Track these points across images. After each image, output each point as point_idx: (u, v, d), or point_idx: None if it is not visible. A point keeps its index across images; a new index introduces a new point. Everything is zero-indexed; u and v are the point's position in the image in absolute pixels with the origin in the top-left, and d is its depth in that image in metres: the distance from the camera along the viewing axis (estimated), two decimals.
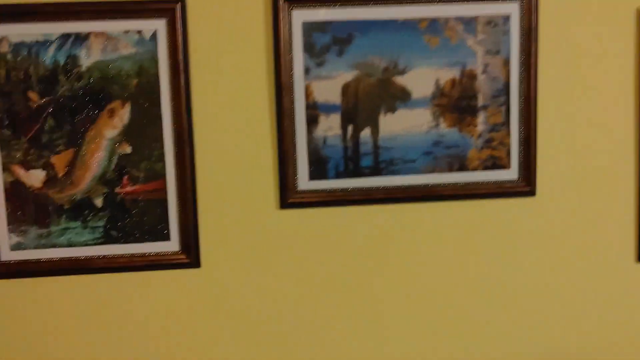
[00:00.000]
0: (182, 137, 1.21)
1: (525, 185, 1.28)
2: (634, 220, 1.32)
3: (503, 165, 1.29)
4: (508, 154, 1.28)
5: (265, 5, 1.20)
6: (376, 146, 1.26)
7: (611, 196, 1.32)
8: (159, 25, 1.18)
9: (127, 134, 1.20)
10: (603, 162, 1.30)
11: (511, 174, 1.29)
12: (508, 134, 1.28)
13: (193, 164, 1.22)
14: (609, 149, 1.31)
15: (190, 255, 1.24)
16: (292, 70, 1.21)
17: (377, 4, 1.20)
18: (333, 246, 1.28)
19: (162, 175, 1.22)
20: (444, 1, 1.21)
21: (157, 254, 1.24)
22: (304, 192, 1.26)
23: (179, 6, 1.16)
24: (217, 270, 1.26)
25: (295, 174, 1.25)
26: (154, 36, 1.18)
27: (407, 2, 1.20)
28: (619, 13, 1.26)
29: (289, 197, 1.25)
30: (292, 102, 1.22)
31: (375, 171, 1.27)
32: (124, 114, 1.20)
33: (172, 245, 1.25)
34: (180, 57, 1.18)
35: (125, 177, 1.21)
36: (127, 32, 1.17)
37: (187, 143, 1.21)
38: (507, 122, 1.27)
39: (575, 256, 1.33)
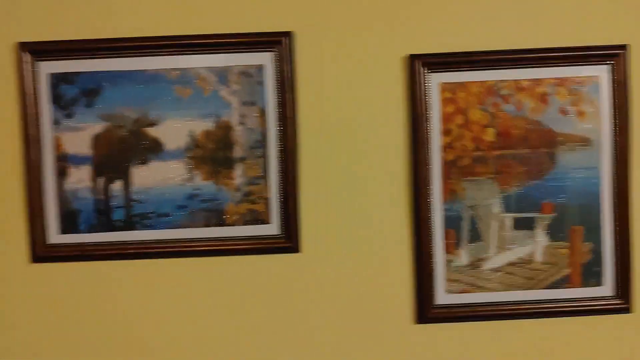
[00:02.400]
0: None
1: (287, 241, 1.21)
2: (409, 277, 1.23)
3: (263, 219, 1.22)
4: (268, 208, 1.22)
5: (10, 57, 1.20)
6: (128, 199, 1.21)
7: (384, 250, 1.23)
8: None
9: None
10: (373, 215, 1.22)
11: (272, 229, 1.22)
12: (267, 187, 1.22)
13: None
14: (379, 201, 1.22)
15: None
16: (39, 122, 1.20)
17: (123, 55, 1.19)
18: (85, 301, 1.23)
19: None
20: (194, 52, 1.19)
21: None
22: (54, 245, 1.21)
23: None
24: None
25: (44, 227, 1.21)
26: None
27: (154, 54, 1.19)
28: (384, 61, 1.21)
29: (38, 251, 1.21)
30: (39, 154, 1.20)
31: (129, 225, 1.21)
32: None
33: None
34: None
35: None
36: None
37: None
38: (265, 175, 1.22)
39: (345, 316, 1.23)
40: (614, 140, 1.20)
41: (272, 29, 1.20)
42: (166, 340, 1.24)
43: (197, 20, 1.20)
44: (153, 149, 1.21)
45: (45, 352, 1.24)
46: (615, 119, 1.20)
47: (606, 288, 1.23)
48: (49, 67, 1.19)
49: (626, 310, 1.23)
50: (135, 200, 1.21)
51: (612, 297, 1.23)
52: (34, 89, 1.19)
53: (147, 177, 1.21)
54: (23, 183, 1.20)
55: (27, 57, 1.18)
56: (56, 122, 1.20)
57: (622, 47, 1.19)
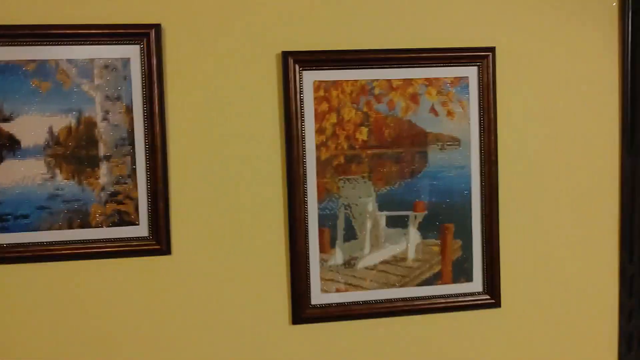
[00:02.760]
0: None
1: (156, 243, 1.17)
2: (285, 277, 1.22)
3: (131, 221, 1.17)
4: (136, 208, 1.17)
5: None
6: None
7: (259, 251, 1.20)
8: None
9: None
10: (247, 215, 1.20)
11: (140, 230, 1.17)
12: (135, 187, 1.17)
13: None
14: (253, 201, 1.19)
15: None
16: None
17: None
18: None
19: None
20: (53, 43, 1.12)
21: None
22: None
23: None
24: None
25: None
26: None
27: (8, 44, 1.11)
28: (257, 57, 1.18)
29: None
30: None
31: None
32: None
33: None
34: None
35: None
36: None
37: None
38: (133, 174, 1.17)
39: (220, 319, 1.20)
40: (482, 140, 1.24)
41: (140, 21, 1.15)
42: (27, 349, 1.16)
43: (59, 9, 1.13)
44: (8, 146, 1.13)
45: None
46: (482, 119, 1.24)
47: (476, 284, 1.27)
48: None
49: (494, 305, 1.27)
50: None
51: (481, 293, 1.27)
52: None
53: (2, 176, 1.13)
54: None
55: None
56: None
57: (490, 49, 1.22)
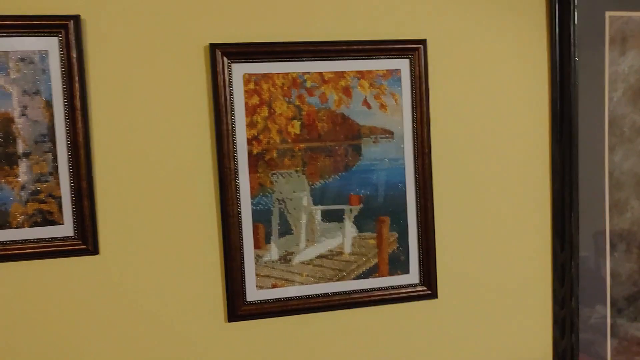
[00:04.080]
0: None
1: (82, 243, 1.12)
2: (219, 274, 1.20)
3: (55, 220, 1.13)
4: (60, 207, 1.13)
5: None
6: None
7: (191, 248, 1.18)
8: None
9: None
10: (178, 212, 1.17)
11: (65, 230, 1.13)
12: (58, 185, 1.13)
13: None
14: (184, 197, 1.16)
15: None
16: None
17: None
18: None
19: None
20: None
21: None
22: None
23: None
24: None
25: None
26: None
27: None
28: (185, 49, 1.15)
29: None
30: None
31: None
32: None
33: None
34: None
35: None
36: None
37: None
38: (55, 171, 1.12)
39: (153, 318, 1.17)
40: (415, 132, 1.25)
41: (58, 12, 1.10)
42: None
43: None
44: None
45: None
46: (415, 111, 1.24)
47: (412, 276, 1.28)
48: None
49: (431, 296, 1.28)
50: None
51: (417, 285, 1.28)
52: None
53: None
54: None
55: None
56: None
57: (421, 41, 1.23)
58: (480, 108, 1.29)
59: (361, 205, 1.24)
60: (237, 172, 1.18)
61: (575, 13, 1.29)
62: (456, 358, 1.33)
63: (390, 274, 1.26)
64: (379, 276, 1.26)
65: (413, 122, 1.24)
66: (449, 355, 1.32)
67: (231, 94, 1.17)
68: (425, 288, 1.28)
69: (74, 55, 1.10)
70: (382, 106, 1.23)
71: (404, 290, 1.27)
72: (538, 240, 1.35)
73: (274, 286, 1.22)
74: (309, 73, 1.19)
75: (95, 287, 1.15)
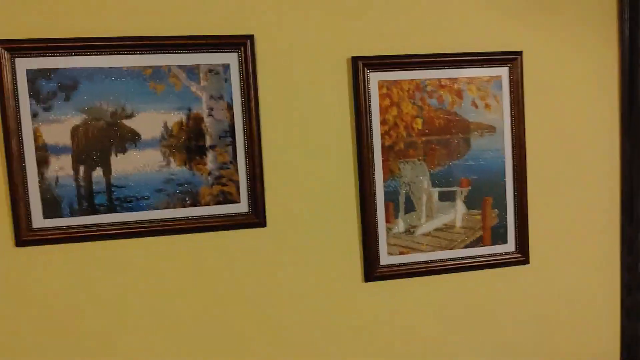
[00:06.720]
0: None
1: (255, 217, 1.41)
2: (358, 243, 1.47)
3: (234, 199, 1.41)
4: (238, 189, 1.41)
5: None
6: (109, 185, 1.34)
7: (337, 222, 1.46)
8: None
9: None
10: (324, 193, 1.45)
11: (242, 207, 1.41)
12: (236, 171, 1.40)
13: None
14: (330, 180, 1.45)
15: None
16: (18, 115, 1.29)
17: (100, 53, 1.31)
18: (72, 282, 1.34)
19: None
20: (166, 52, 1.34)
21: None
22: (38, 230, 1.31)
23: None
24: None
25: (28, 213, 1.31)
26: None
27: (129, 52, 1.32)
28: (332, 62, 1.43)
29: (23, 235, 1.30)
30: (19, 145, 1.29)
31: (110, 208, 1.34)
32: None
33: None
34: None
35: None
36: None
37: None
38: (234, 161, 1.40)
39: (305, 278, 1.46)
40: (513, 128, 1.52)
41: (236, 32, 1.38)
42: (152, 310, 1.38)
43: (170, 22, 1.35)
44: (130, 139, 1.34)
45: (33, 335, 1.34)
46: (513, 110, 1.52)
47: (510, 245, 1.55)
48: (26, 63, 1.28)
49: (524, 262, 1.56)
50: (115, 186, 1.34)
51: (513, 252, 1.55)
52: (12, 84, 1.28)
53: (126, 164, 1.34)
54: (5, 172, 1.29)
55: (4, 54, 1.26)
56: (35, 115, 1.29)
57: (518, 53, 1.51)
58: (564, 108, 1.57)
59: (470, 188, 1.52)
60: (373, 160, 1.46)
61: None
62: (540, 313, 1.61)
63: (492, 243, 1.54)
64: (483, 245, 1.54)
65: (511, 119, 1.52)
66: (536, 311, 1.61)
67: (368, 97, 1.44)
68: (520, 255, 1.55)
69: (250, 67, 1.37)
70: (487, 106, 1.51)
71: (503, 257, 1.55)
72: (608, 215, 1.63)
73: (401, 253, 1.49)
74: (429, 79, 1.47)
75: (263, 251, 1.43)
